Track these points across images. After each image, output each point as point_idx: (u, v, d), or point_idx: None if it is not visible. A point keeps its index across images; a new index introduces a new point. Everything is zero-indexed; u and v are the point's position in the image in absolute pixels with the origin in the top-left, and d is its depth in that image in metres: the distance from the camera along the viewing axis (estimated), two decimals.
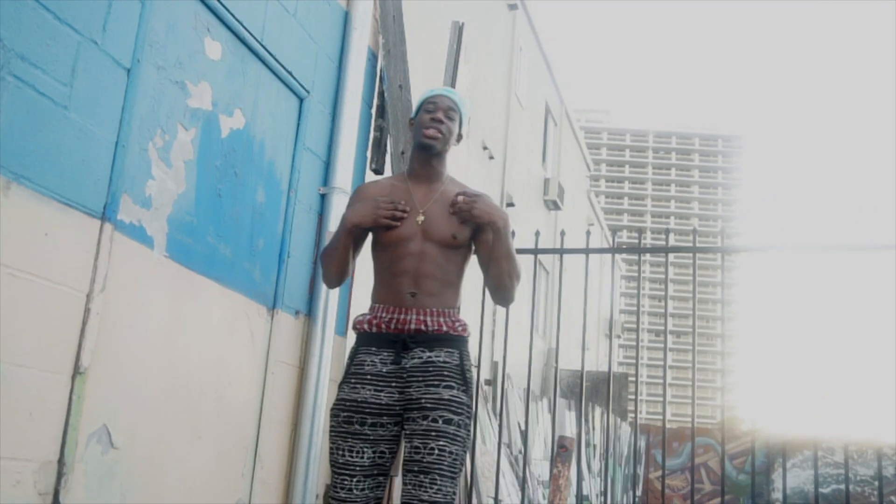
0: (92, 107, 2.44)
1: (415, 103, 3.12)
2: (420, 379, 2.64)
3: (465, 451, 2.65)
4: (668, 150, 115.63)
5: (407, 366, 2.65)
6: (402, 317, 2.69)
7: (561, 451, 3.85)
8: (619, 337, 25.45)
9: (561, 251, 4.63)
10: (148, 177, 2.71)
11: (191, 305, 2.94)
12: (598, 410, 13.44)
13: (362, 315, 2.77)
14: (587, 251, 4.59)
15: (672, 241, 4.65)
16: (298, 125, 3.67)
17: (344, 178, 3.88)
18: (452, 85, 4.51)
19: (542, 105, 17.20)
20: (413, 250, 2.71)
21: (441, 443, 2.55)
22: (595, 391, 15.43)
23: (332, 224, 3.79)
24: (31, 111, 2.22)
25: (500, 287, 2.79)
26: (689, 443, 16.16)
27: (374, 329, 2.72)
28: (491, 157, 12.87)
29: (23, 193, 2.19)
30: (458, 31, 4.52)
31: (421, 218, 2.72)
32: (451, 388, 2.64)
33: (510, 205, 13.51)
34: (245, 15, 3.20)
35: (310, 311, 3.74)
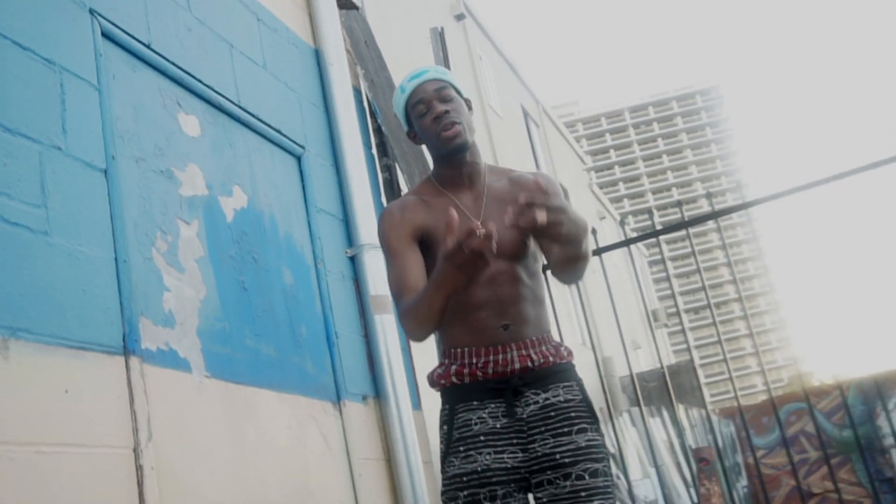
0: (75, 225, 2.10)
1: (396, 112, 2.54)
2: (544, 429, 2.25)
3: None
4: (648, 122, 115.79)
5: (524, 416, 2.26)
6: (501, 357, 2.27)
7: (702, 466, 3.46)
8: (665, 326, 25.00)
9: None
10: (162, 289, 2.36)
11: (250, 425, 2.58)
12: (680, 409, 13.00)
13: (442, 366, 2.34)
14: (599, 251, 4.19)
15: (686, 215, 4.23)
16: (304, 186, 3.34)
17: (368, 232, 3.54)
18: None
19: (518, 109, 16.96)
20: (487, 274, 2.18)
21: (595, 503, 2.18)
22: (663, 389, 14.99)
23: (371, 287, 3.44)
24: (6, 247, 1.87)
25: (570, 275, 2.35)
26: (779, 415, 15.66)
27: (469, 379, 2.29)
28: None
29: (25, 349, 1.84)
30: (439, 37, 4.22)
31: (481, 231, 2.07)
32: (585, 430, 2.27)
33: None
34: (212, 78, 2.88)
35: (377, 391, 3.38)
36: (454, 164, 2.31)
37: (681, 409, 13.05)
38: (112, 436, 2.02)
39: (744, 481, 15.25)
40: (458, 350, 2.31)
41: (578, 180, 20.98)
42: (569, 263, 2.28)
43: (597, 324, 17.09)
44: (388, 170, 4.04)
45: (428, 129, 2.29)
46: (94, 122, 2.27)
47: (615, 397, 15.58)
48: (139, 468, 2.06)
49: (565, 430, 2.24)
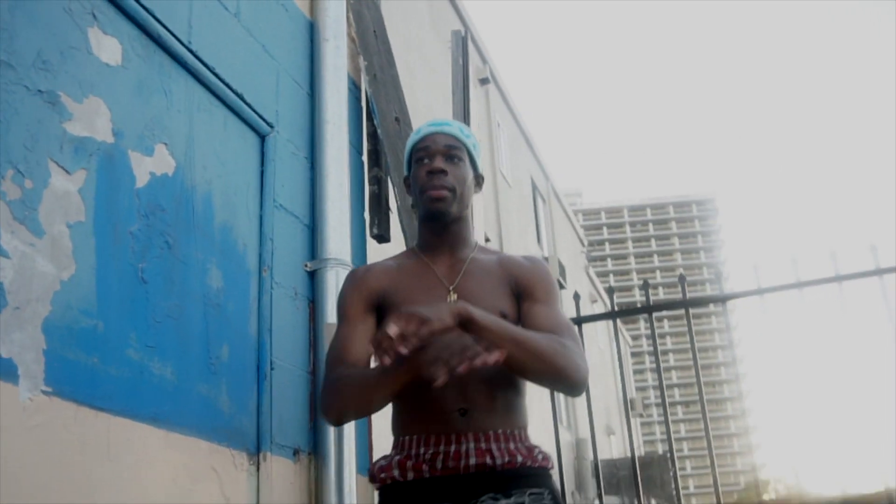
0: None
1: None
2: None
3: None
4: (644, 223, 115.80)
5: None
6: (454, 448, 1.72)
7: None
8: (640, 416, 23.90)
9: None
10: None
11: (109, 473, 1.66)
12: (650, 501, 11.96)
13: (385, 458, 1.80)
14: (580, 319, 3.48)
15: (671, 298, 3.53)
16: (263, 173, 2.47)
17: (339, 245, 2.66)
18: (465, 112, 3.35)
19: (527, 181, 16.20)
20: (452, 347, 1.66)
21: None
22: (633, 479, 13.93)
23: (330, 312, 2.55)
24: None
25: (541, 377, 1.83)
26: None
27: (412, 475, 1.72)
28: (487, 240, 11.74)
29: None
30: (461, 41, 3.40)
31: (453, 296, 1.86)
32: None
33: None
34: (154, 1, 2.04)
35: (315, 446, 2.45)
36: (432, 228, 1.99)
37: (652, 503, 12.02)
38: None
39: None
40: (406, 438, 1.80)
41: (577, 260, 20.14)
42: (536, 382, 1.82)
43: (574, 403, 16.12)
44: (378, 182, 3.17)
45: (419, 180, 1.98)
46: None
47: (584, 480, 14.51)
48: None
49: None
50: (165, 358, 1.89)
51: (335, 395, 1.78)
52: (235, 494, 2.07)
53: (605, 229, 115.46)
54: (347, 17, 3.15)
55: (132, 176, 1.89)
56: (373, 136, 3.19)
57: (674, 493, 9.58)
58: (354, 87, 3.17)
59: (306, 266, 2.60)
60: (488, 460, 1.71)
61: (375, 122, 3.15)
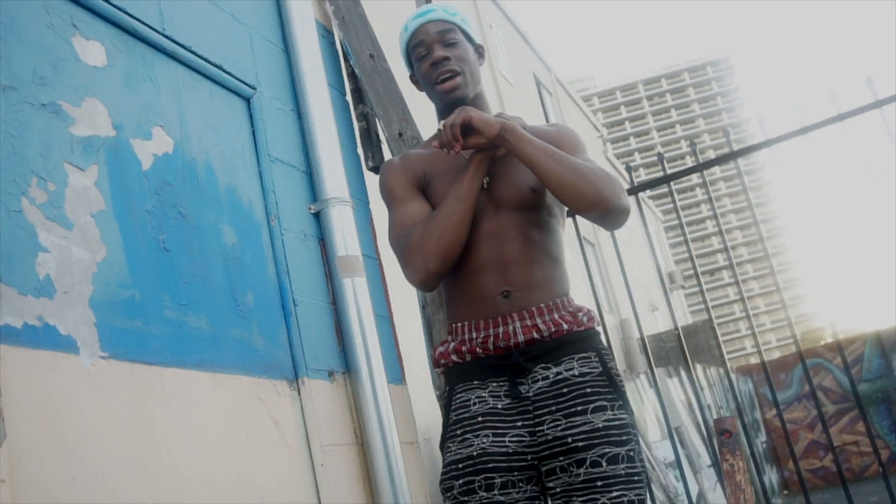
0: None
1: (400, 54, 2.21)
2: (554, 409, 1.82)
3: (646, 495, 1.76)
4: (661, 94, 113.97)
5: (530, 394, 1.85)
6: (501, 329, 1.88)
7: (724, 438, 2.84)
8: (682, 287, 24.19)
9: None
10: (35, 249, 1.75)
11: (167, 414, 1.97)
12: (698, 368, 12.33)
13: (444, 344, 1.97)
14: (636, 188, 3.70)
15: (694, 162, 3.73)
16: (254, 132, 2.71)
17: (336, 184, 2.91)
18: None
19: (530, 78, 16.17)
20: (486, 229, 1.93)
21: (615, 494, 1.71)
22: (680, 349, 14.30)
23: (339, 247, 2.82)
24: None
25: (572, 196, 1.88)
26: (794, 370, 14.93)
27: (469, 357, 1.91)
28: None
29: None
30: None
31: (485, 180, 1.94)
32: (604, 408, 1.82)
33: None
34: (126, 0, 2.26)
35: (347, 366, 2.76)
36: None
37: (699, 369, 12.39)
38: None
39: (763, 437, 14.57)
40: (458, 325, 1.93)
41: (594, 148, 20.16)
42: (572, 203, 1.87)
43: (613, 285, 16.43)
44: (366, 118, 3.40)
45: (425, 76, 2.05)
46: None
47: (632, 358, 14.92)
48: None
49: (579, 408, 1.81)
50: (199, 312, 2.18)
51: (428, 241, 1.86)
52: (283, 418, 2.39)
53: (622, 108, 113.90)
54: None
55: (137, 161, 2.15)
56: (352, 75, 3.40)
57: (720, 355, 9.94)
58: (327, 33, 3.37)
59: (310, 209, 2.86)
60: (535, 335, 1.85)
61: (352, 61, 3.36)
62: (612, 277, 16.07)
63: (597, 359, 1.88)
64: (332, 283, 2.81)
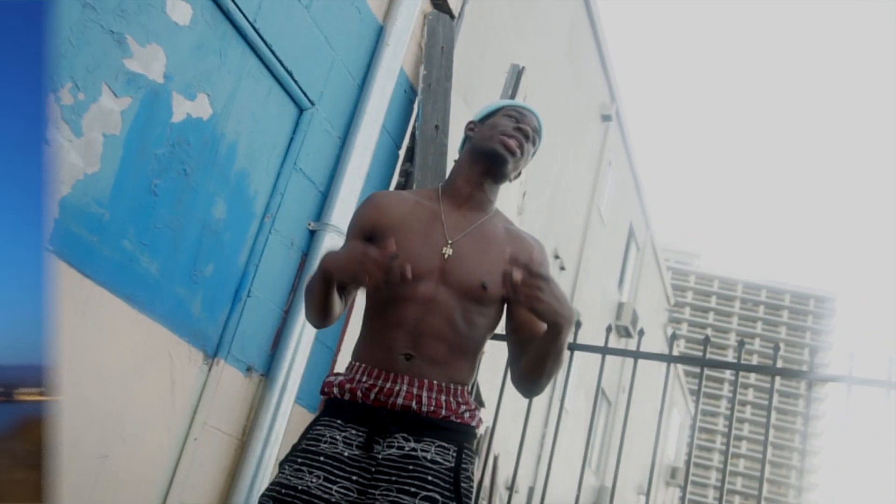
0: None
1: (475, 115, 2.24)
2: (392, 479, 1.84)
3: None
4: (756, 303, 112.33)
5: (379, 456, 1.86)
6: (388, 385, 1.90)
7: None
8: (679, 487, 23.58)
9: (603, 350, 3.75)
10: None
11: (78, 325, 2.19)
12: None
13: (335, 376, 2.01)
14: (637, 354, 3.68)
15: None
16: (292, 139, 2.98)
17: (344, 215, 3.15)
18: None
19: (625, 225, 16.37)
20: (422, 294, 1.94)
21: None
22: None
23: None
24: None
25: (532, 382, 2.01)
26: None
27: (347, 396, 1.92)
28: (562, 268, 12.04)
29: None
30: (517, 74, 3.83)
31: (448, 251, 1.97)
32: (434, 501, 1.83)
33: (577, 323, 12.58)
34: None
35: (268, 370, 2.95)
36: (473, 176, 2.06)
37: None
38: None
39: None
40: (356, 364, 1.97)
41: (657, 315, 20.11)
42: (527, 381, 1.96)
43: (610, 451, 16.18)
44: (407, 175, 3.65)
45: (500, 125, 2.06)
46: None
47: None
48: None
49: (412, 490, 1.81)
50: (154, 256, 2.42)
51: (305, 296, 2.03)
52: (182, 381, 2.58)
53: (713, 298, 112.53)
54: (422, 30, 3.64)
55: (170, 111, 2.42)
56: (412, 135, 3.66)
57: None
58: (411, 90, 3.66)
59: (309, 225, 3.10)
60: (414, 404, 1.87)
61: (417, 123, 3.63)
62: (612, 442, 15.86)
63: (454, 454, 1.91)
64: (294, 296, 3.02)
